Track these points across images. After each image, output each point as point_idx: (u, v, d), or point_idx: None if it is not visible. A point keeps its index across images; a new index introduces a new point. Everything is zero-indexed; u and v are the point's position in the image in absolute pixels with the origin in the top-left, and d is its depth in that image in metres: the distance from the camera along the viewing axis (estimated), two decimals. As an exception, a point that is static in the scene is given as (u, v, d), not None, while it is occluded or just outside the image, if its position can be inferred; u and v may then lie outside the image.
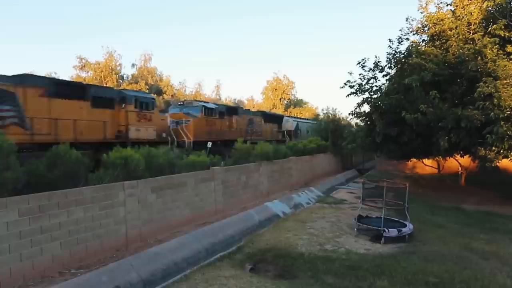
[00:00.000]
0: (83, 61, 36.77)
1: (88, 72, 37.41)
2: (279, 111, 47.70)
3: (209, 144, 14.51)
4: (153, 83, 40.32)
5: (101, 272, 5.35)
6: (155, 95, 28.81)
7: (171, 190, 8.71)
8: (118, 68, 38.87)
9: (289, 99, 56.30)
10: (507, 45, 11.74)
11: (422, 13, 15.08)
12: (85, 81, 34.91)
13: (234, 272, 6.03)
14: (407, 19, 15.52)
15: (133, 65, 42.50)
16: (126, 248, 7.11)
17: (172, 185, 8.77)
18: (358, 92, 15.30)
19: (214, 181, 10.59)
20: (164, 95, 38.04)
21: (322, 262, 6.48)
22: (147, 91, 35.48)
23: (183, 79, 69.84)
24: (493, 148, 10.73)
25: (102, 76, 36.54)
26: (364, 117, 15.83)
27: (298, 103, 56.84)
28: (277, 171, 14.83)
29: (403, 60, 14.37)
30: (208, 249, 7.25)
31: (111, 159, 8.02)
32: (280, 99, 54.28)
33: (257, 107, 50.78)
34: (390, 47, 15.40)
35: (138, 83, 37.58)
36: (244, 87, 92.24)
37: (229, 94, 74.47)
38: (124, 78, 40.52)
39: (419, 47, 14.22)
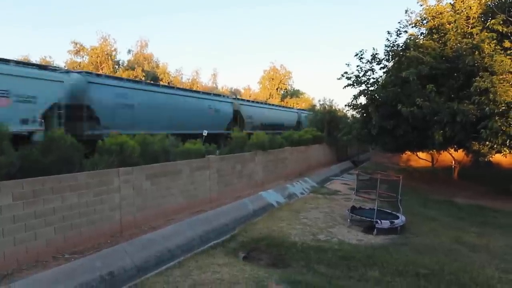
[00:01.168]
0: (78, 45, 36.33)
1: (83, 57, 37.00)
2: (275, 101, 47.55)
3: (205, 133, 14.47)
4: (149, 70, 39.99)
5: (95, 258, 5.38)
6: (152, 81, 28.54)
7: (166, 178, 8.72)
8: (114, 53, 38.45)
9: (286, 89, 56.11)
10: (505, 40, 11.77)
11: (421, 5, 15.06)
12: (80, 66, 34.55)
13: (228, 260, 6.08)
14: (406, 12, 15.51)
15: (129, 51, 42.08)
16: (120, 235, 7.13)
17: (167, 172, 8.78)
18: (355, 84, 15.31)
19: (209, 170, 10.60)
20: (160, 82, 37.77)
21: (315, 252, 6.56)
22: (143, 77, 35.16)
23: (180, 67, 69.20)
24: (487, 143, 10.83)
25: (98, 62, 36.15)
26: (360, 109, 15.87)
27: (295, 94, 56.70)
28: (272, 160, 14.86)
29: (400, 53, 14.36)
30: (202, 237, 7.30)
31: (106, 145, 8.00)
32: (277, 89, 54.06)
33: (254, 96, 50.62)
34: (388, 40, 15.40)
35: (135, 70, 37.24)
36: (241, 76, 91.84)
37: (226, 83, 74.19)
38: (120, 64, 40.15)
39: (417, 40, 14.22)
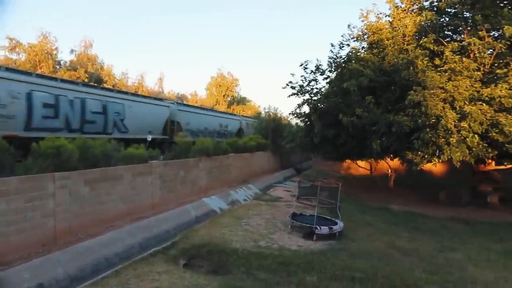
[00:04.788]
0: (13, 42, 33.91)
1: (19, 54, 34.53)
2: (222, 107, 47.44)
3: (149, 138, 14.09)
4: (93, 71, 38.21)
5: (23, 269, 5.03)
6: (95, 84, 27.16)
7: (106, 183, 8.39)
8: (55, 52, 36.31)
9: (233, 96, 56.23)
10: (436, 58, 12.61)
11: (363, 21, 15.78)
12: (15, 64, 32.26)
13: (167, 268, 5.97)
14: (349, 26, 16.15)
15: (72, 51, 39.97)
16: (54, 243, 6.74)
17: (107, 177, 8.46)
18: (299, 93, 15.67)
19: (152, 175, 10.35)
20: (105, 84, 36.23)
21: (256, 258, 6.59)
22: (86, 79, 33.58)
23: (125, 69, 66.87)
24: (419, 152, 11.47)
25: (37, 60, 33.91)
26: (303, 118, 16.26)
27: (242, 101, 56.96)
28: (216, 167, 14.79)
29: (343, 64, 14.89)
30: (142, 244, 7.11)
31: (42, 149, 7.52)
32: (224, 96, 54.00)
33: (200, 102, 50.18)
34: (332, 52, 15.96)
35: (77, 70, 35.42)
36: (189, 82, 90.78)
37: (173, 88, 72.77)
38: (62, 64, 37.99)
39: (358, 53, 14.85)
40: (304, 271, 6.14)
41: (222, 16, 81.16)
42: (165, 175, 11.01)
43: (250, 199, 13.06)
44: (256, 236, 8.06)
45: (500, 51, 11.90)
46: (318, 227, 8.23)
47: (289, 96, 15.82)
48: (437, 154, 11.19)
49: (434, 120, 11.15)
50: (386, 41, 14.19)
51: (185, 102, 31.61)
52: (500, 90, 10.77)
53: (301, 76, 15.83)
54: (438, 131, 10.96)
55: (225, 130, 26.69)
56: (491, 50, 12.27)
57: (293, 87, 15.64)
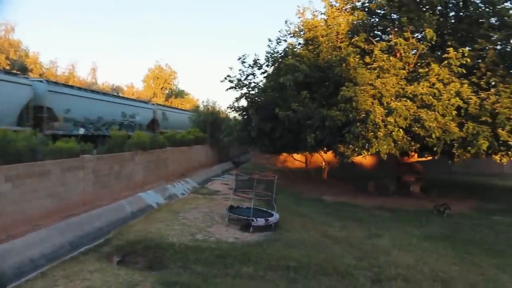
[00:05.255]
0: None
1: None
2: (160, 100, 46.22)
3: (81, 131, 13.31)
4: (16, 59, 35.25)
5: None
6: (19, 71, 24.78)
7: (31, 179, 7.87)
8: (-33, 36, 33.05)
9: (171, 89, 55.08)
10: (366, 56, 13.29)
11: (299, 18, 16.16)
12: None
13: (100, 266, 5.77)
14: (286, 22, 16.51)
15: (-11, 35, 36.59)
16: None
17: (33, 173, 7.94)
18: (237, 87, 15.72)
19: (84, 170, 9.90)
20: (30, 73, 33.59)
21: (193, 252, 6.60)
22: (8, 66, 30.93)
23: (54, 58, 62.56)
24: (350, 146, 12.03)
25: None
26: (241, 112, 16.36)
27: (180, 94, 55.99)
28: (153, 161, 14.46)
29: (280, 59, 15.18)
30: (72, 243, 6.79)
31: None
32: (162, 88, 52.72)
33: (137, 94, 48.50)
34: (269, 47, 16.19)
35: (-4, 56, 32.47)
36: (125, 73, 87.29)
37: (107, 79, 69.49)
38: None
39: (294, 49, 15.22)
40: (240, 262, 6.24)
41: (161, 5, 78.93)
42: (98, 170, 10.58)
43: (188, 193, 12.94)
44: (193, 230, 8.03)
45: (422, 51, 12.85)
46: (255, 219, 8.37)
47: (227, 89, 15.82)
48: (366, 147, 11.78)
49: (364, 115, 11.74)
50: (321, 38, 14.66)
51: (64, 83, 23.26)
52: (422, 88, 11.63)
53: (239, 70, 15.91)
54: (367, 125, 11.55)
55: (131, 122, 21.71)
56: (415, 51, 13.19)
57: (231, 81, 15.65)
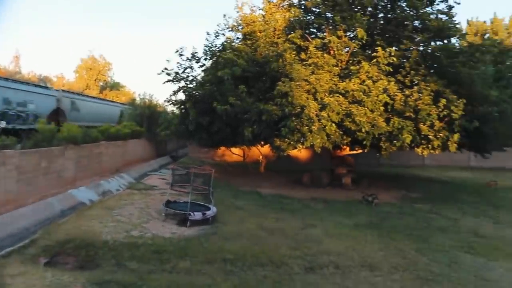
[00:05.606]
0: None
1: None
2: (93, 92, 43.97)
3: (2, 124, 12.26)
4: None
5: None
6: None
7: None
8: None
9: (106, 81, 52.61)
10: (302, 53, 13.69)
11: (238, 12, 16.24)
12: None
13: (24, 269, 5.41)
14: (224, 16, 16.46)
15: None
16: None
17: None
18: (174, 80, 15.42)
19: (6, 166, 9.21)
20: None
21: (128, 249, 6.46)
22: None
23: (-32, 43, 56.93)
24: (286, 139, 12.36)
25: None
26: (179, 105, 16.10)
27: (115, 86, 53.68)
28: (85, 156, 13.81)
29: (218, 53, 15.11)
30: (-8, 246, 6.30)
31: None
32: (95, 80, 50.18)
33: (68, 86, 45.74)
34: (208, 40, 16.06)
35: None
36: (54, 64, 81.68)
37: (33, 69, 64.55)
38: None
39: (232, 43, 15.23)
40: (177, 257, 6.23)
41: (91, -8, 74.77)
42: (23, 166, 9.89)
43: (123, 189, 12.55)
44: (128, 226, 7.82)
45: (354, 50, 13.51)
46: (192, 213, 8.37)
47: (165, 82, 15.46)
48: (301, 141, 12.17)
49: (299, 110, 12.11)
50: (259, 33, 14.84)
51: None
52: (353, 85, 12.26)
53: (177, 63, 15.61)
54: (302, 119, 11.94)
55: (20, 112, 16.10)
56: (347, 49, 13.84)
57: (168, 74, 15.30)
